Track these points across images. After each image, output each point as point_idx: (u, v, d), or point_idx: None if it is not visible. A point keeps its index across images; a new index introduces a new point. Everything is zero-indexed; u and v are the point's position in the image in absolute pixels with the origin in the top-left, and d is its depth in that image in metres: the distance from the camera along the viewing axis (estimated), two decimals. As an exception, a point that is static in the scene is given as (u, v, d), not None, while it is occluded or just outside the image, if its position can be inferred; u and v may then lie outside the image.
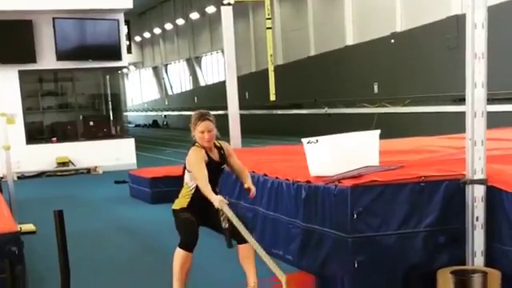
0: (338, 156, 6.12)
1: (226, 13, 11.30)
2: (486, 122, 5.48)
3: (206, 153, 5.45)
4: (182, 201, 5.54)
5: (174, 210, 5.56)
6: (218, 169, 5.59)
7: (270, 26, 11.54)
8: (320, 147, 6.24)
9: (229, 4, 10.60)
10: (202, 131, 5.39)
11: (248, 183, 5.72)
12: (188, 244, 5.34)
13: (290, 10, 31.66)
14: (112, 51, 18.86)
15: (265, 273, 5.52)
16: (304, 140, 6.39)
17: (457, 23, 19.98)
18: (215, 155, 5.55)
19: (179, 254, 5.35)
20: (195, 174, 5.34)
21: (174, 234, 5.56)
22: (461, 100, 19.45)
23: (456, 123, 17.14)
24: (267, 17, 11.15)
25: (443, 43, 20.69)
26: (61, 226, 4.39)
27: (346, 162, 6.04)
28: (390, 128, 6.82)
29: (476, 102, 5.46)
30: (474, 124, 5.45)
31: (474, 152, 5.43)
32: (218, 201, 5.16)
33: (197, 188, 5.41)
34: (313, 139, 6.30)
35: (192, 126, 5.47)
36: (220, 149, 5.62)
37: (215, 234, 6.08)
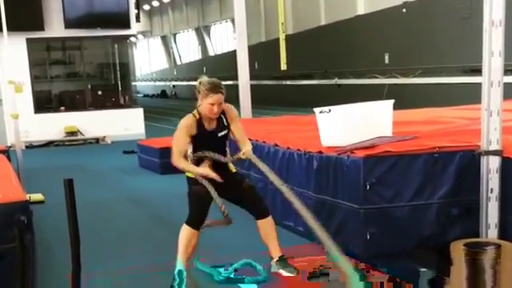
0: (350, 126, 6.03)
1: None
2: (502, 92, 5.35)
3: (200, 123, 5.23)
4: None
5: (187, 178, 5.37)
6: (214, 137, 5.30)
7: (281, -6, 11.49)
8: (332, 117, 6.15)
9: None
10: (212, 103, 5.11)
11: (243, 149, 5.34)
12: (195, 222, 5.22)
13: (301, -21, 31.32)
14: (121, 19, 18.67)
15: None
16: (316, 110, 6.29)
17: (470, -7, 19.71)
18: (211, 124, 5.28)
19: (185, 230, 5.23)
20: (173, 156, 5.19)
21: (183, 204, 5.47)
22: (472, 71, 19.32)
23: (467, 94, 17.01)
24: (279, -15, 11.02)
25: (456, 13, 20.39)
26: (71, 195, 4.32)
27: (358, 132, 5.95)
28: (401, 99, 6.74)
29: (493, 71, 5.32)
30: (490, 94, 5.33)
31: (489, 122, 5.34)
32: (202, 171, 5.08)
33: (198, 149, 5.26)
34: (325, 109, 6.21)
35: (200, 96, 5.17)
36: (220, 117, 5.31)
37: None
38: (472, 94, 16.08)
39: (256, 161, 5.28)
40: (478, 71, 19.05)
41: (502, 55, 5.32)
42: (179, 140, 5.20)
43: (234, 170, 5.46)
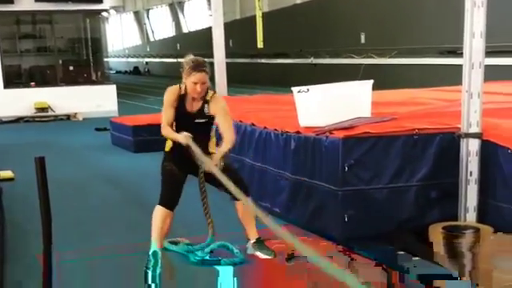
0: (329, 106, 5.94)
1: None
2: (483, 74, 5.29)
3: (182, 99, 5.10)
4: (167, 142, 5.21)
5: (164, 153, 5.25)
6: (190, 120, 5.10)
7: (258, -31, 11.35)
8: (311, 96, 6.05)
9: None
10: (195, 82, 4.97)
11: (221, 148, 5.05)
12: (168, 202, 5.09)
13: (277, -43, 31.05)
14: (92, -7, 18.36)
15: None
16: (294, 89, 6.19)
17: (446, -28, 19.67)
18: (193, 106, 5.12)
19: (158, 211, 5.10)
20: (161, 122, 5.10)
21: (157, 183, 5.34)
22: (449, 52, 19.34)
23: (444, 76, 17.11)
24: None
25: (432, -6, 20.40)
26: (42, 174, 4.17)
27: (337, 112, 5.87)
28: (377, 79, 6.68)
29: (474, 52, 5.24)
30: (470, 75, 5.26)
31: (469, 104, 5.28)
32: (183, 138, 4.91)
33: (175, 129, 5.11)
34: (303, 88, 6.10)
35: (184, 74, 5.04)
36: (205, 102, 5.13)
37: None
38: (448, 76, 16.17)
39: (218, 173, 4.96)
40: (454, 53, 19.22)
41: (484, 36, 5.24)
42: (165, 109, 5.11)
43: (213, 151, 5.29)
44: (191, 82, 4.99)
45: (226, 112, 5.16)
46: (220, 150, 5.01)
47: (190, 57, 5.12)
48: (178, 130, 5.07)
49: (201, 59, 5.10)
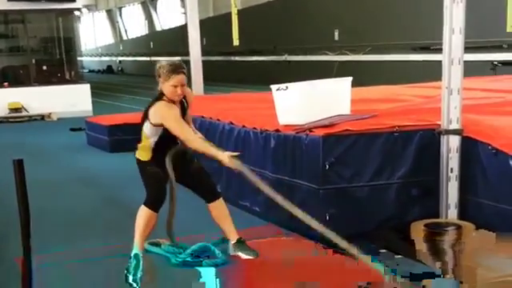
0: (308, 104, 5.91)
1: (188, -47, 10.85)
2: (462, 70, 5.30)
3: None
4: (144, 153, 5.09)
5: (138, 161, 5.13)
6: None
7: (234, -33, 11.33)
8: (290, 94, 6.01)
9: None
10: (175, 85, 4.86)
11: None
12: (154, 203, 5.01)
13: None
14: (65, -8, 18.18)
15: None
16: (273, 87, 6.15)
17: (420, -31, 19.77)
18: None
19: (144, 212, 5.01)
20: (182, 135, 4.89)
21: (135, 184, 5.28)
22: (422, 48, 19.46)
23: (417, 72, 17.20)
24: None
25: (405, -10, 20.50)
26: (20, 177, 4.09)
27: (316, 110, 5.85)
28: (352, 76, 6.68)
29: (453, 48, 5.25)
30: (450, 71, 5.27)
31: (449, 101, 5.29)
32: (227, 159, 4.79)
33: (157, 144, 5.01)
34: (282, 86, 6.07)
35: (161, 78, 4.90)
36: (183, 104, 5.11)
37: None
38: (422, 72, 16.27)
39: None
40: (427, 49, 19.31)
41: (463, 32, 5.25)
42: (181, 123, 4.93)
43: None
44: (170, 85, 4.87)
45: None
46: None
47: (165, 61, 5.01)
48: (165, 139, 5.01)
49: (177, 61, 5.02)
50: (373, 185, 5.49)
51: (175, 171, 5.03)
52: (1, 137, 14.53)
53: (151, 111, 4.95)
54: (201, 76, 10.68)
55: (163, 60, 5.04)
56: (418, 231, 4.99)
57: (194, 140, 4.93)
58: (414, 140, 5.52)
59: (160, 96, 4.97)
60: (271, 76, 25.32)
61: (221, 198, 5.29)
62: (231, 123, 7.12)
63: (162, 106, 4.91)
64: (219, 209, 5.25)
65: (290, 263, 4.84)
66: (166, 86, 4.89)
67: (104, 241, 5.96)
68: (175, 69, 4.90)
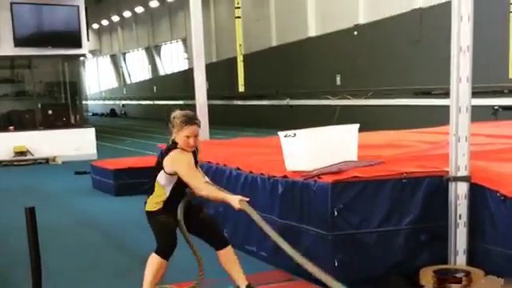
0: (316, 150, 5.95)
1: (195, 0, 11.02)
2: (470, 118, 5.36)
3: None
4: (154, 204, 5.12)
5: (148, 212, 5.15)
6: None
7: (239, 15, 11.39)
8: (297, 141, 6.05)
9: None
10: (188, 136, 4.95)
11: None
12: (166, 251, 5.03)
13: (252, 0, 31.39)
14: (72, 38, 18.43)
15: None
16: (281, 133, 6.20)
17: (420, 16, 20.06)
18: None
19: (154, 260, 5.03)
20: (193, 183, 4.97)
21: (141, 229, 5.30)
22: (423, 93, 19.62)
23: (418, 116, 17.30)
24: (236, 5, 10.95)
25: (406, 36, 20.75)
26: (32, 224, 4.14)
27: (324, 156, 5.88)
28: (353, 120, 6.71)
29: (461, 96, 5.31)
30: (458, 119, 5.32)
31: (457, 148, 5.33)
32: (238, 203, 4.88)
33: (171, 193, 5.08)
34: (290, 133, 6.12)
35: (175, 129, 5.00)
36: (194, 153, 5.16)
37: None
38: (423, 116, 16.36)
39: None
40: (428, 93, 19.50)
41: (470, 81, 5.33)
42: (195, 171, 5.07)
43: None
44: (183, 136, 4.96)
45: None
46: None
47: (179, 111, 5.10)
48: (179, 189, 5.08)
49: (191, 113, 5.12)
50: (381, 231, 5.49)
51: (185, 221, 5.07)
52: (6, 180, 14.60)
53: (166, 160, 5.02)
54: (206, 121, 10.76)
55: (177, 110, 5.12)
56: (427, 277, 4.99)
57: (205, 188, 5.01)
58: (421, 186, 5.55)
59: (173, 145, 5.04)
60: (273, 120, 25.58)
61: (229, 246, 5.32)
62: (238, 169, 7.16)
63: (178, 153, 4.99)
64: (228, 256, 5.29)
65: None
66: (180, 136, 4.98)
67: (113, 286, 5.96)
68: (189, 120, 4.99)
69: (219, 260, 5.31)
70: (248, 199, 5.00)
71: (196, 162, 5.18)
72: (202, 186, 5.00)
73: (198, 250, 5.26)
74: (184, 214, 5.08)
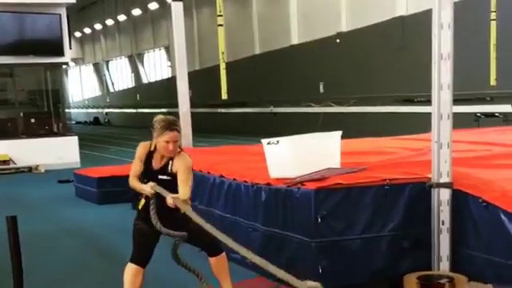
0: (299, 158, 5.97)
1: (177, 9, 11.04)
2: (451, 125, 5.39)
3: (150, 156, 5.09)
4: (141, 201, 5.13)
5: (137, 210, 5.22)
6: (154, 177, 5.03)
7: (221, 23, 11.41)
8: (281, 148, 6.06)
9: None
10: (167, 141, 4.93)
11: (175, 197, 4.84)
12: (139, 259, 5.03)
13: (235, 9, 31.45)
14: (54, 46, 18.36)
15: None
16: (264, 141, 6.21)
17: (402, 24, 20.19)
18: (158, 162, 5.09)
19: (130, 268, 5.02)
20: (130, 173, 5.13)
21: (124, 237, 5.27)
22: (405, 101, 19.73)
23: (401, 123, 17.38)
24: (219, 13, 10.99)
25: (388, 44, 20.88)
26: (14, 233, 4.11)
27: (307, 163, 5.90)
28: (336, 128, 6.71)
29: (442, 104, 5.35)
30: (440, 126, 5.35)
31: (439, 155, 5.35)
32: (149, 187, 4.90)
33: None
34: (273, 140, 6.13)
35: (156, 132, 4.99)
36: (170, 159, 5.05)
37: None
38: (406, 123, 16.43)
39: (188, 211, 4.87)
40: (411, 101, 19.53)
41: (451, 88, 5.36)
42: (135, 162, 5.15)
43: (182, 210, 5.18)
44: (163, 140, 4.95)
45: (186, 170, 5.02)
46: (174, 196, 4.82)
47: (160, 116, 5.11)
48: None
49: (172, 118, 5.11)
50: (364, 237, 5.51)
51: (175, 229, 4.98)
52: (-12, 189, 14.47)
53: None
54: (190, 129, 10.77)
55: (160, 115, 5.13)
56: (410, 283, 5.00)
57: (131, 179, 5.11)
58: (404, 193, 5.58)
59: (154, 149, 5.09)
60: (257, 127, 25.57)
61: (223, 253, 5.30)
62: (222, 176, 7.16)
63: (139, 145, 5.18)
64: (219, 263, 5.28)
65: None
66: (159, 140, 4.98)
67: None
68: (168, 125, 4.98)
69: (211, 266, 5.31)
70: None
71: (165, 170, 5.07)
72: (130, 178, 5.11)
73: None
74: (175, 223, 4.98)
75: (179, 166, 5.03)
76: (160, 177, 5.06)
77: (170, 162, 5.08)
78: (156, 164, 5.11)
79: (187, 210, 4.60)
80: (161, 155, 5.06)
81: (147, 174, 5.09)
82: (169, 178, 5.06)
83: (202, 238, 5.20)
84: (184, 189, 4.94)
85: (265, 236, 6.21)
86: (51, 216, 10.61)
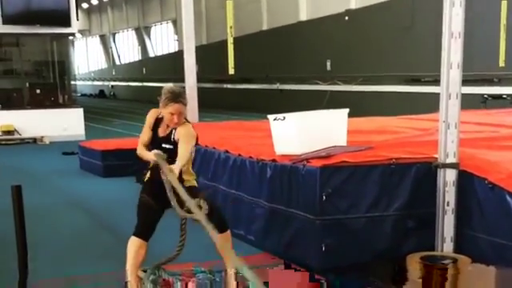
0: (305, 134, 5.93)
1: (185, -18, 10.95)
2: (460, 105, 5.34)
3: (157, 123, 5.08)
4: (147, 173, 5.13)
5: (143, 182, 5.18)
6: (159, 145, 5.00)
7: (231, -4, 11.46)
8: (287, 125, 6.02)
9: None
10: (172, 113, 4.89)
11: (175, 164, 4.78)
12: (142, 234, 4.98)
13: (244, -17, 31.22)
14: (61, 17, 18.25)
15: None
16: (270, 117, 6.16)
17: (412, 2, 19.99)
18: (163, 130, 5.08)
19: (133, 241, 4.98)
20: (139, 140, 5.13)
21: (128, 209, 5.24)
22: (413, 80, 19.62)
23: (407, 103, 17.30)
24: (227, -13, 11.02)
25: (397, 22, 20.71)
26: (19, 202, 4.10)
27: (313, 140, 5.87)
28: (342, 106, 6.65)
29: (451, 83, 5.30)
30: (448, 106, 5.31)
31: (447, 135, 5.31)
32: (152, 155, 4.82)
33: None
34: (280, 116, 6.09)
35: (162, 103, 4.95)
36: (173, 128, 5.02)
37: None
38: (413, 103, 16.36)
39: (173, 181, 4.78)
40: (418, 81, 19.46)
41: (461, 67, 5.31)
42: (145, 130, 5.14)
43: (189, 184, 5.16)
44: (168, 112, 4.91)
45: (186, 138, 4.96)
46: (168, 167, 4.74)
47: (168, 86, 5.07)
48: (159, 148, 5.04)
49: (178, 90, 5.05)
50: (369, 216, 5.49)
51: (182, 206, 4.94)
52: (-7, 159, 14.50)
53: None
54: (196, 103, 10.74)
55: (169, 85, 5.13)
56: (414, 264, 5.00)
57: (139, 147, 5.09)
58: (410, 173, 5.54)
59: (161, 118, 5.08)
60: (263, 104, 25.51)
61: (227, 231, 5.26)
62: (227, 151, 7.13)
63: (149, 112, 5.15)
64: (224, 239, 5.23)
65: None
66: (165, 111, 4.95)
67: (100, 267, 5.93)
68: (174, 97, 4.92)
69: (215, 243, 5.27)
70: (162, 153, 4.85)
71: (169, 139, 5.04)
72: (138, 145, 5.09)
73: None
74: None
75: (180, 135, 4.99)
76: (163, 145, 5.03)
77: (174, 130, 5.05)
78: (161, 132, 5.09)
79: (172, 179, 4.54)
80: (166, 124, 5.05)
81: (153, 141, 5.08)
82: (171, 146, 5.01)
83: (209, 214, 5.18)
84: (182, 156, 4.85)
85: (269, 212, 6.20)
86: (55, 188, 10.62)
